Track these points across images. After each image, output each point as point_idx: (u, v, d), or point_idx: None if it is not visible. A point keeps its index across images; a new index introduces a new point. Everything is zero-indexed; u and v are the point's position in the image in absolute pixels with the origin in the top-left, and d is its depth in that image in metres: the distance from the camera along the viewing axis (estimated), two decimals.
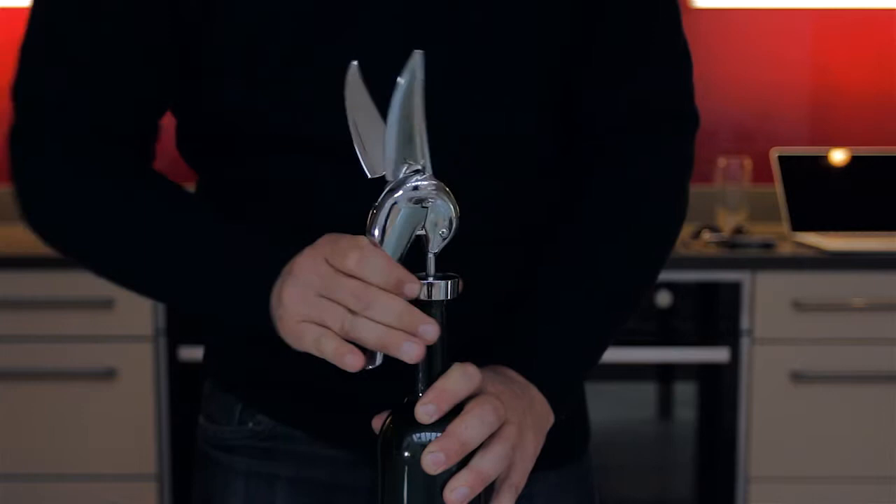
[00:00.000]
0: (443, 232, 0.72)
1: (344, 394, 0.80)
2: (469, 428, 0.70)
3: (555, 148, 0.94)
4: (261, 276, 0.78)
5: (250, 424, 0.95)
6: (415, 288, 0.70)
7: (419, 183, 0.71)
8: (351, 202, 0.79)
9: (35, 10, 0.87)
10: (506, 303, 0.90)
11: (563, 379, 0.87)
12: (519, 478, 0.76)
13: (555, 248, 0.91)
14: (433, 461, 0.69)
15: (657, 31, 0.94)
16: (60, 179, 0.86)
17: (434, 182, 0.72)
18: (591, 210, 0.93)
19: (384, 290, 0.70)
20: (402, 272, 0.70)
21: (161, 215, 0.84)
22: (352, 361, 0.71)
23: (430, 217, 0.72)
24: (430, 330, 0.70)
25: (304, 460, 0.94)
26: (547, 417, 0.83)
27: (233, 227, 0.83)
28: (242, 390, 0.97)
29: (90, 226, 0.85)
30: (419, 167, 0.71)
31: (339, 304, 0.71)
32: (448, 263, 0.73)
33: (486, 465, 0.71)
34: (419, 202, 0.71)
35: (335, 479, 0.94)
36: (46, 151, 0.86)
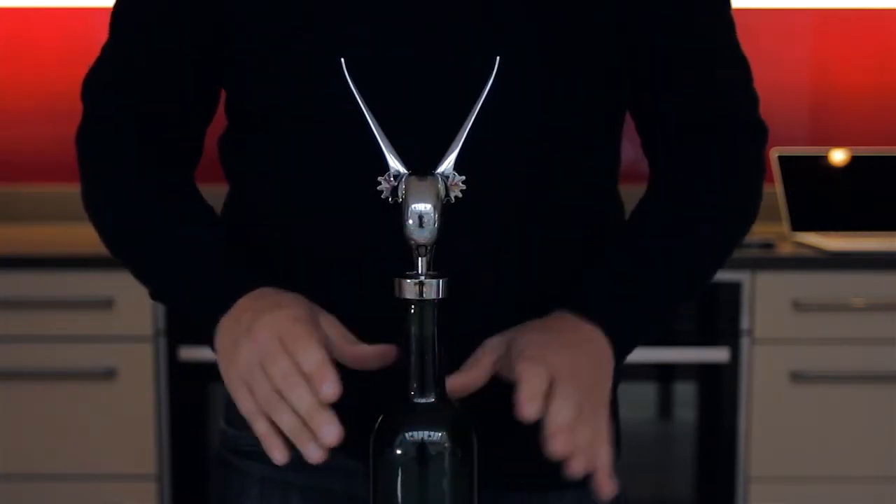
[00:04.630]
0: (426, 230, 0.72)
1: (361, 405, 0.81)
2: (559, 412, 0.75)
3: (581, 143, 0.93)
4: (214, 299, 0.84)
5: None
6: (330, 393, 0.72)
7: (389, 179, 0.72)
8: (356, 175, 0.80)
9: (111, 19, 0.96)
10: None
11: (625, 320, 0.88)
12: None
13: (623, 228, 0.95)
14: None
15: (720, 37, 0.96)
16: (100, 156, 0.95)
17: (413, 179, 0.72)
18: (660, 201, 0.95)
19: (310, 379, 0.73)
20: (330, 373, 0.73)
21: (159, 213, 0.91)
22: (277, 456, 0.75)
23: (412, 216, 0.71)
24: (330, 435, 0.72)
25: (318, 470, 0.94)
26: (603, 356, 0.85)
27: (214, 245, 0.89)
28: None
29: (104, 199, 0.94)
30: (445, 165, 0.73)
31: (269, 379, 0.75)
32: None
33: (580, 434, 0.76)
34: (398, 200, 0.72)
35: (350, 489, 0.94)
36: (100, 130, 0.96)
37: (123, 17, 0.94)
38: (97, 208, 0.95)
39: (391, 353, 0.78)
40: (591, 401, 0.79)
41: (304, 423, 0.73)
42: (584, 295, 0.88)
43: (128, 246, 0.93)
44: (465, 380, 0.81)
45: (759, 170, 0.98)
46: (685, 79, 0.94)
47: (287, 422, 0.74)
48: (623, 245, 0.93)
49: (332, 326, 0.80)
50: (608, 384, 0.83)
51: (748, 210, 0.98)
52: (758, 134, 0.98)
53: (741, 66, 0.97)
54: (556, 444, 0.75)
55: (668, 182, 0.97)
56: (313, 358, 0.73)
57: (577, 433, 0.76)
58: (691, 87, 0.95)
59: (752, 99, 0.98)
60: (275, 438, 0.75)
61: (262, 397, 0.75)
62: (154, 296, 0.93)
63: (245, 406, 0.76)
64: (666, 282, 0.92)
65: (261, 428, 0.75)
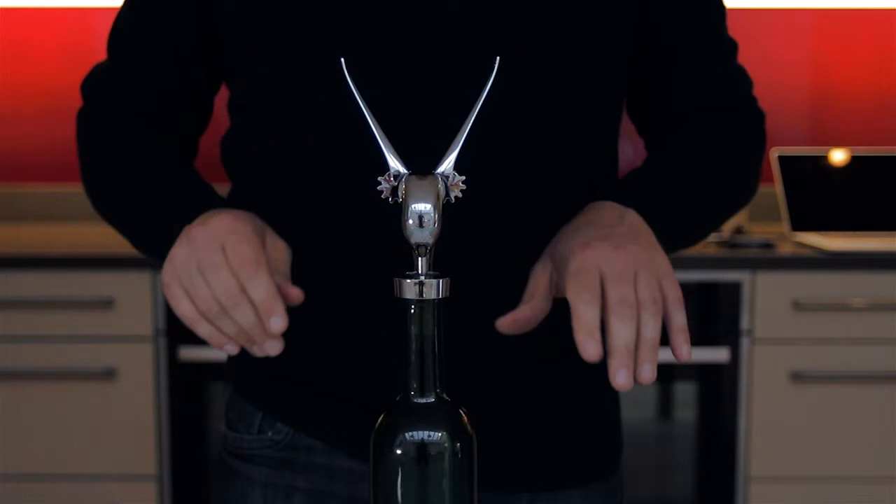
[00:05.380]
0: (426, 230, 0.71)
1: (364, 404, 0.80)
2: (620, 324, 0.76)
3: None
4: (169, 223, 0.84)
5: (269, 434, 0.96)
6: (277, 328, 0.74)
7: (388, 181, 0.72)
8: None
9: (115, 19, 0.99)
10: None
11: (653, 202, 0.89)
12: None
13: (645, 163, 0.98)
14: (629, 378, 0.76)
15: (718, 23, 0.99)
16: (89, 129, 0.99)
17: (413, 179, 0.71)
18: (679, 145, 0.98)
19: (257, 308, 0.75)
20: (279, 306, 0.74)
21: (137, 167, 0.95)
22: (230, 349, 0.77)
23: (412, 216, 0.71)
24: (273, 349, 0.75)
25: (321, 473, 0.94)
26: (641, 225, 0.85)
27: (178, 185, 0.92)
28: (263, 398, 0.97)
29: (91, 162, 0.98)
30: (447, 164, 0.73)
31: (211, 290, 0.75)
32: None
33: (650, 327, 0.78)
34: (398, 200, 0.72)
35: (353, 492, 0.94)
36: (89, 111, 1.00)
37: (126, 18, 0.96)
38: (86, 180, 0.98)
39: (299, 297, 0.79)
40: (649, 270, 0.78)
41: (247, 333, 0.75)
42: (609, 192, 0.89)
43: (105, 209, 0.96)
44: (532, 311, 0.81)
45: (762, 144, 1.02)
46: (690, 69, 0.97)
47: (230, 330, 0.76)
48: (643, 169, 0.95)
49: (276, 249, 0.81)
50: (658, 250, 0.81)
51: (755, 170, 1.00)
52: (758, 113, 1.02)
53: (734, 49, 1.01)
54: (619, 365, 0.75)
55: (678, 141, 0.99)
56: (263, 289, 0.75)
57: (644, 327, 0.77)
58: (696, 76, 0.97)
59: (749, 80, 1.02)
60: (221, 337, 0.76)
61: (203, 305, 0.76)
62: (136, 247, 0.96)
63: (184, 310, 0.77)
64: (686, 190, 0.94)
65: (204, 331, 0.77)
